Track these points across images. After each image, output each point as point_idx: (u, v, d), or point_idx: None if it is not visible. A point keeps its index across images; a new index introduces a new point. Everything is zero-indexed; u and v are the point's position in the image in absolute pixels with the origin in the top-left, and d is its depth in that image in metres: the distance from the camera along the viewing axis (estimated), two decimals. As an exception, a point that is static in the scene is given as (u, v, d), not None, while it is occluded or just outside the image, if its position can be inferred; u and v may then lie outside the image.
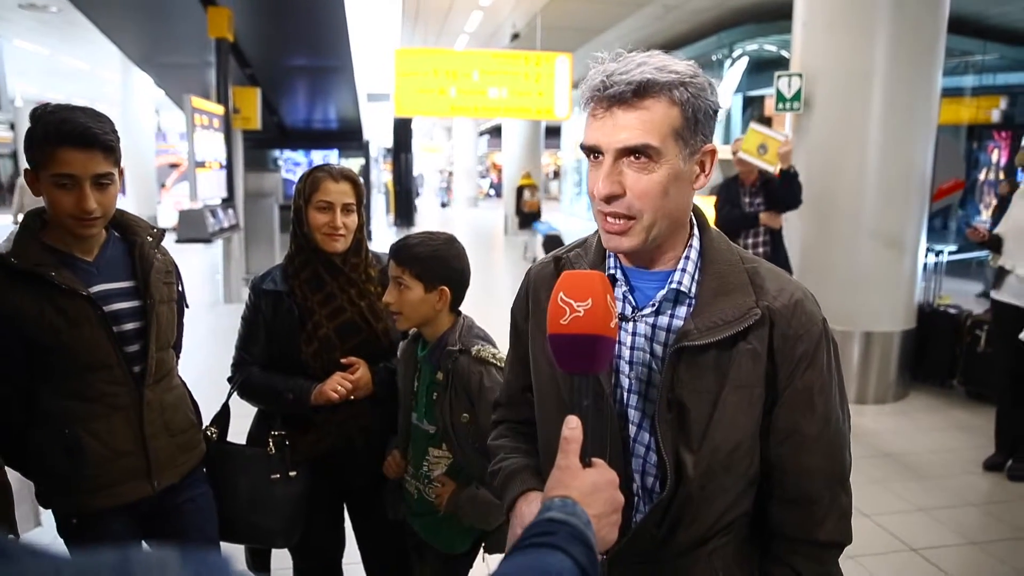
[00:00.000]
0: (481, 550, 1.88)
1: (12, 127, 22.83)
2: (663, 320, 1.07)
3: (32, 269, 1.52)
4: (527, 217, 12.42)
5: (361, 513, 2.09)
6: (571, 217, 20.64)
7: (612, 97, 0.98)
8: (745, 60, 12.16)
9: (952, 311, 5.17)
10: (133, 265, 1.67)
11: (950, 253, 6.67)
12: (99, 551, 0.33)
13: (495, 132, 25.77)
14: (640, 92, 0.97)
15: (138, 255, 1.68)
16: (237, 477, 1.86)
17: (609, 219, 1.02)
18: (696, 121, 1.00)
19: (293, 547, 2.00)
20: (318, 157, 15.24)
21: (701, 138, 1.02)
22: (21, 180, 9.52)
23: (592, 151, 1.02)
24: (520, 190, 12.96)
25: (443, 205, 22.45)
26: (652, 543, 1.06)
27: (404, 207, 18.20)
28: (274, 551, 2.06)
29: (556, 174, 29.03)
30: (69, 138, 1.46)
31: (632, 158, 0.99)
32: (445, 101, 9.25)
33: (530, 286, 1.23)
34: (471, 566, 1.91)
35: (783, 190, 4.44)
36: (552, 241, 10.94)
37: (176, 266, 1.81)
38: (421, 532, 1.88)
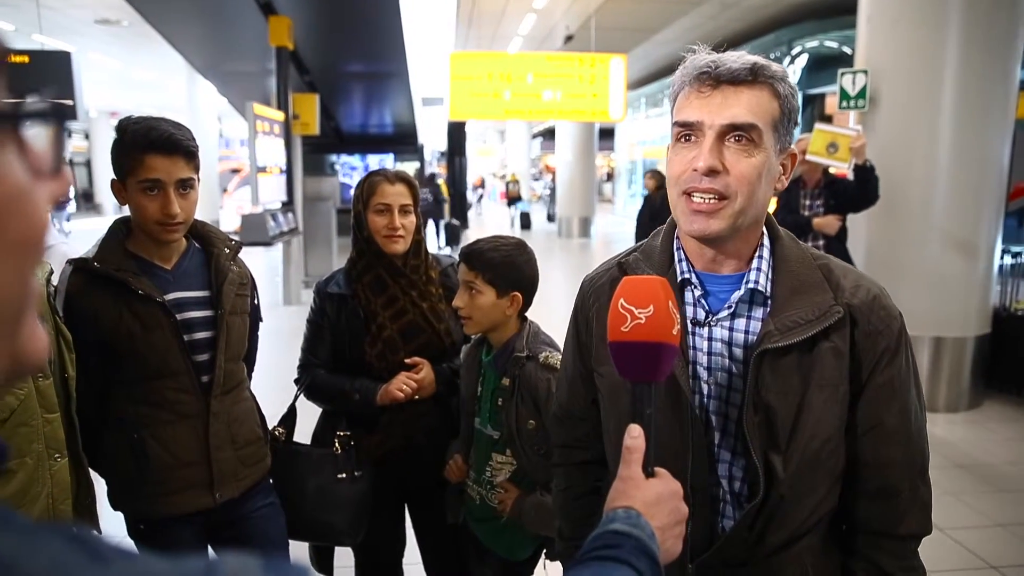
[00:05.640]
0: (542, 557, 1.87)
1: (87, 137, 23.90)
2: (740, 323, 1.07)
3: (113, 273, 1.57)
4: (511, 200, 19.03)
5: (422, 513, 2.11)
6: (624, 219, 20.37)
7: (723, 75, 0.98)
8: (805, 58, 11.85)
9: (1031, 316, 4.93)
10: (209, 275, 1.71)
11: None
12: (185, 558, 0.33)
13: (548, 134, 25.72)
14: (754, 73, 0.98)
15: (214, 266, 1.72)
16: (305, 477, 1.89)
17: (697, 198, 1.00)
18: (788, 119, 1.01)
19: (356, 545, 2.03)
20: (374, 161, 15.49)
21: (788, 139, 1.03)
22: None
23: (689, 128, 1.01)
24: (507, 184, 19.66)
25: (550, 218, 19.12)
26: (744, 547, 1.06)
27: (459, 210, 18.38)
28: (337, 549, 2.09)
29: (610, 176, 28.82)
30: (155, 145, 1.53)
31: (735, 139, 0.99)
32: (499, 104, 9.29)
33: (588, 297, 1.23)
34: (532, 572, 1.90)
35: (859, 187, 4.28)
36: (524, 216, 18.43)
37: (252, 279, 1.84)
38: (482, 538, 1.88)
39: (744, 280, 1.06)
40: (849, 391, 1.04)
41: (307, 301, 2.07)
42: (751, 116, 0.98)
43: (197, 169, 1.61)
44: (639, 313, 0.87)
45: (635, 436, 0.85)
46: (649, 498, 0.81)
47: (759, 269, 1.06)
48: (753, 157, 0.98)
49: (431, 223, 13.30)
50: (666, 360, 0.88)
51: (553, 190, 20.34)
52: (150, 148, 1.52)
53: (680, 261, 1.11)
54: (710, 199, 0.99)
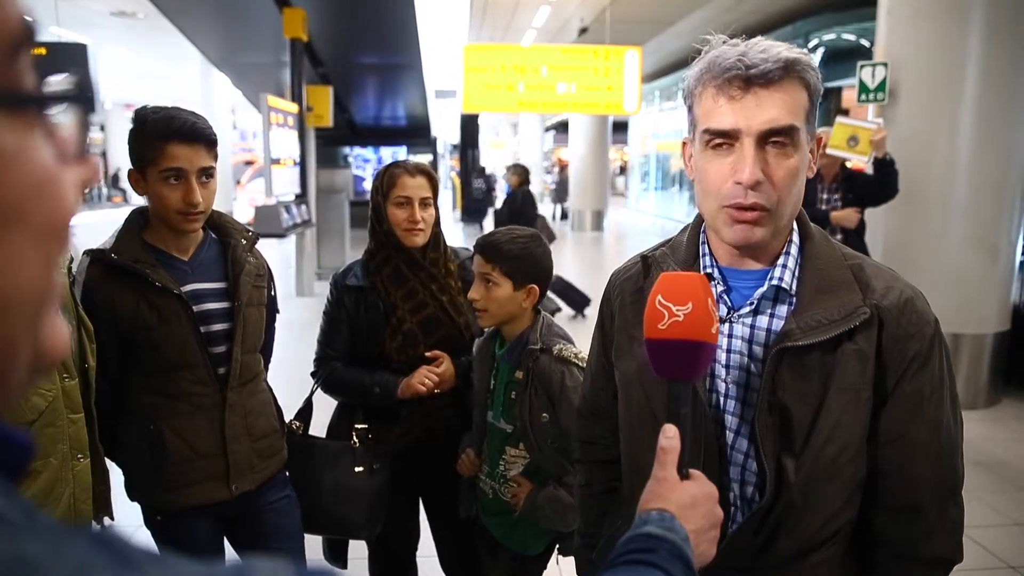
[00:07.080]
0: (555, 552, 1.86)
1: (103, 128, 24.05)
2: (762, 320, 1.03)
3: (130, 265, 1.57)
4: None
5: (437, 507, 2.10)
6: (637, 213, 20.32)
7: (755, 77, 0.92)
8: (821, 51, 11.73)
9: (1052, 313, 4.85)
10: (226, 266, 1.71)
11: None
12: (217, 562, 0.32)
13: (561, 127, 25.62)
14: (787, 71, 0.93)
15: (231, 257, 1.71)
16: (322, 470, 1.89)
17: (739, 210, 0.96)
18: (816, 106, 0.97)
19: (370, 538, 2.02)
20: (387, 154, 15.48)
21: (815, 123, 0.99)
22: None
23: (724, 136, 0.95)
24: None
25: (564, 215, 18.46)
26: (749, 552, 1.02)
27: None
28: (351, 542, 2.08)
29: (623, 170, 28.69)
30: (178, 133, 1.52)
31: (772, 143, 0.94)
32: (513, 97, 9.23)
33: (614, 290, 1.20)
34: (544, 568, 1.89)
35: (879, 180, 4.23)
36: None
37: (269, 270, 1.83)
38: (495, 532, 1.87)
39: (768, 277, 1.02)
40: (873, 397, 0.98)
41: (320, 293, 2.06)
42: (790, 117, 0.93)
43: (216, 158, 1.61)
44: (677, 310, 0.85)
45: (670, 436, 0.82)
46: (684, 500, 0.79)
47: (785, 266, 1.02)
48: (791, 159, 0.94)
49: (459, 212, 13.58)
50: (705, 359, 0.86)
51: (558, 184, 19.34)
52: (172, 137, 1.52)
53: (704, 256, 1.08)
54: (752, 210, 0.95)
